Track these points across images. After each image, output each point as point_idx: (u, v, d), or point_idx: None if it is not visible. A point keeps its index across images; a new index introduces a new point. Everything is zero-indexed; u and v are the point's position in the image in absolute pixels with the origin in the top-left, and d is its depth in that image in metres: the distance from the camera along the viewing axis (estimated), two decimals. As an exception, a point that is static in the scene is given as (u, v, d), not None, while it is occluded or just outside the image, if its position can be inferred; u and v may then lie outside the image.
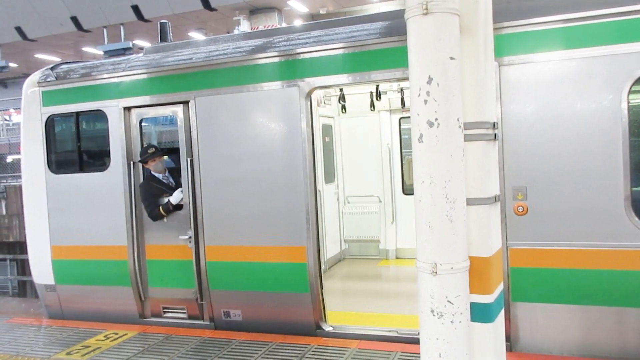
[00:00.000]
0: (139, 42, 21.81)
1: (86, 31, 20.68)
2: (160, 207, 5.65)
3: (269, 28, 12.63)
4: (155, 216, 5.70)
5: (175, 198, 5.64)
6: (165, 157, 6.03)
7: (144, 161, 5.76)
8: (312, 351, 4.77)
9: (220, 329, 5.56)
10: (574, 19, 4.24)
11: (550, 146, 4.32)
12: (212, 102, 5.43)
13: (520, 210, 4.41)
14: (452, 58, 2.69)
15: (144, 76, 5.77)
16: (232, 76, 5.36)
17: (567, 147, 4.27)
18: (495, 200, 2.97)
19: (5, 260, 11.64)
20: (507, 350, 3.98)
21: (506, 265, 4.45)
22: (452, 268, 2.71)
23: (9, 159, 12.92)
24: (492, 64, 3.04)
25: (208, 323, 5.65)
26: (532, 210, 4.39)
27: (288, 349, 4.85)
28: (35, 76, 6.40)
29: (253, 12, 19.51)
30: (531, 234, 4.41)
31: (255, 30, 14.02)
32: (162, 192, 5.75)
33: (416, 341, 4.75)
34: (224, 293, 5.49)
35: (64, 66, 6.43)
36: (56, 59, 24.40)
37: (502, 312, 3.07)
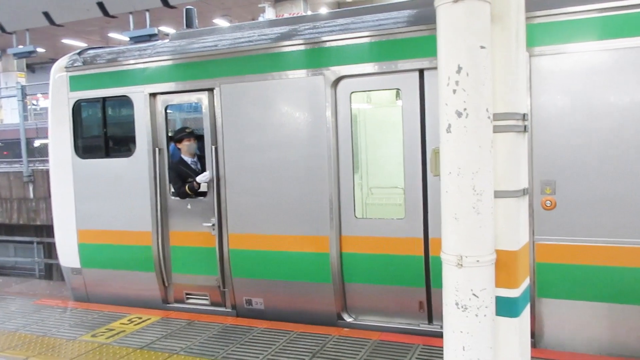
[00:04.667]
0: (164, 29, 21.96)
1: (112, 17, 20.88)
2: (186, 186, 5.71)
3: (294, 15, 12.56)
4: (181, 194, 5.77)
5: (201, 177, 5.67)
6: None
7: (178, 139, 5.84)
8: (333, 341, 4.78)
9: (242, 316, 5.60)
10: (609, 9, 4.10)
11: (582, 139, 4.21)
12: (237, 89, 5.43)
13: (548, 205, 4.33)
14: (482, 47, 2.62)
15: (170, 62, 5.79)
16: (257, 64, 5.34)
17: (599, 140, 4.16)
18: (524, 194, 2.91)
19: (32, 243, 11.93)
20: (531, 346, 3.93)
21: (532, 260, 4.37)
22: (478, 261, 2.67)
23: (37, 143, 13.18)
24: (523, 53, 2.96)
25: (230, 310, 5.70)
26: (560, 205, 4.30)
27: (309, 339, 4.86)
28: (62, 61, 6.47)
29: (278, -1, 19.47)
30: (559, 229, 4.32)
31: (280, 17, 13.96)
32: (188, 176, 5.81)
33: (437, 335, 4.74)
34: (246, 281, 5.52)
35: (91, 51, 6.50)
36: (82, 44, 24.75)
37: (528, 307, 3.02)
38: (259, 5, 19.31)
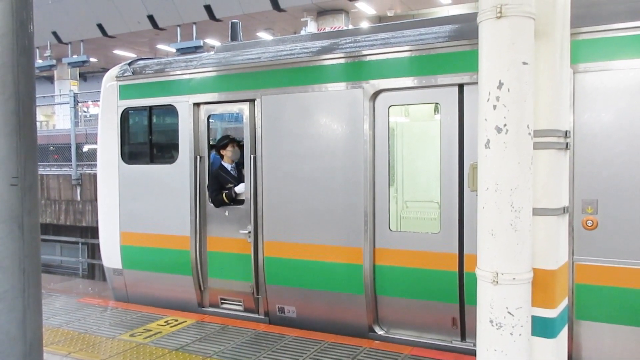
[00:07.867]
0: (210, 41, 22.59)
1: (161, 29, 21.67)
2: (224, 193, 5.86)
3: (336, 29, 12.69)
4: (217, 201, 5.91)
5: (239, 188, 5.83)
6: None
7: (224, 145, 6.02)
8: (364, 353, 4.76)
9: (275, 323, 5.66)
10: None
11: (626, 158, 4.10)
12: (278, 100, 5.54)
13: (589, 225, 4.22)
14: (525, 63, 2.62)
15: (214, 74, 5.97)
16: (298, 76, 5.44)
17: None
18: (564, 212, 2.86)
19: (77, 243, 12.39)
20: (568, 369, 3.82)
21: (571, 281, 4.26)
22: (514, 279, 2.64)
23: (85, 148, 13.71)
24: (567, 70, 2.94)
25: (263, 317, 5.76)
26: (602, 225, 4.18)
27: (340, 349, 4.87)
28: (114, 71, 6.76)
29: (321, 13, 19.74)
30: (600, 250, 4.20)
31: (322, 31, 14.15)
32: (227, 182, 5.96)
33: (469, 352, 4.66)
34: (280, 289, 5.58)
35: (140, 62, 6.76)
36: (132, 55, 25.72)
37: (566, 328, 2.95)
38: (302, 19, 19.63)
